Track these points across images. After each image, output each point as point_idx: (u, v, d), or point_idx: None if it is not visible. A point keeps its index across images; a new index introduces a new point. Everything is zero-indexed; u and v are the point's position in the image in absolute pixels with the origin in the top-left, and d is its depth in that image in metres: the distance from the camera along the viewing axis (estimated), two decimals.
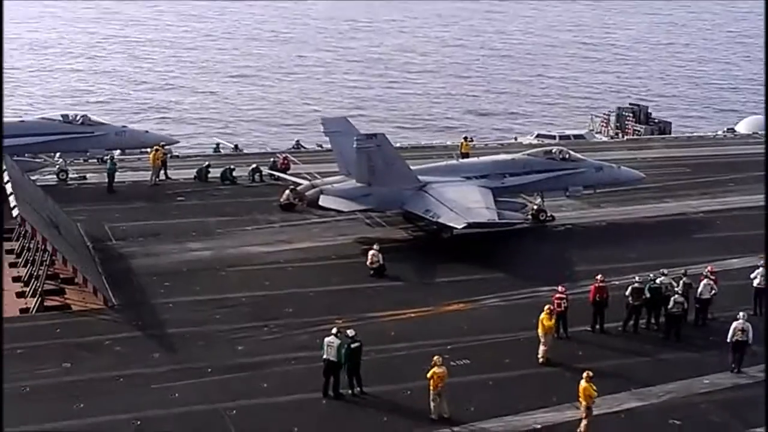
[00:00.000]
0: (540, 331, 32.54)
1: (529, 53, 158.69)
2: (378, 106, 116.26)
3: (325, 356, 29.52)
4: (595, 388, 27.72)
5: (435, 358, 28.78)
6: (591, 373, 28.04)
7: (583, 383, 27.83)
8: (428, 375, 28.47)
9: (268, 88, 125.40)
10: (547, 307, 33.13)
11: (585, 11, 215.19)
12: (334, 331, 29.98)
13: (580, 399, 27.92)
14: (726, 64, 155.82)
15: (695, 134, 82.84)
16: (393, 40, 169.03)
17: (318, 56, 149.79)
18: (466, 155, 58.43)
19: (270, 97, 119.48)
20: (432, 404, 28.55)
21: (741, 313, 32.95)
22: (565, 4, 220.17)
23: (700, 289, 35.98)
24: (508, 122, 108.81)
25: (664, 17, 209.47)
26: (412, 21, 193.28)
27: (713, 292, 36.05)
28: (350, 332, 29.90)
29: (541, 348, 32.60)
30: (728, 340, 32.59)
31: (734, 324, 32.49)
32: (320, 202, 45.41)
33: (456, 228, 43.47)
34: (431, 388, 28.45)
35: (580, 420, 28.06)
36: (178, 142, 63.88)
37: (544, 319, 32.50)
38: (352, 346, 29.50)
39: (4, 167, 41.27)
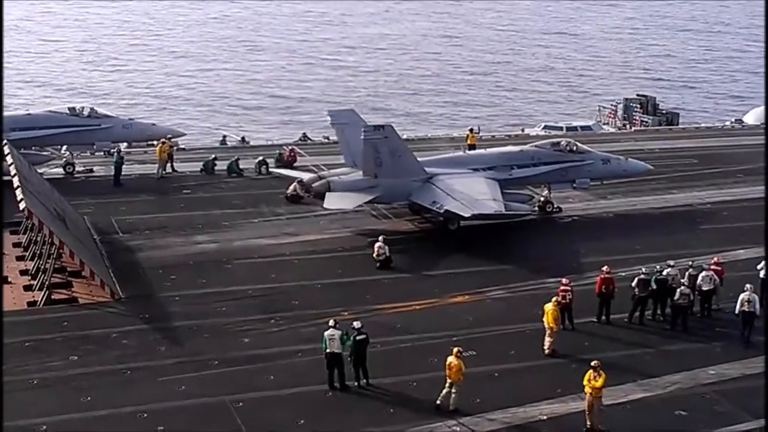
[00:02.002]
0: (548, 321, 32.58)
1: (538, 43, 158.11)
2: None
3: (327, 350, 29.52)
4: (592, 376, 27.57)
5: (455, 349, 28.82)
6: (594, 363, 27.96)
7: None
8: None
9: (278, 80, 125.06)
10: (554, 299, 33.23)
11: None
12: (331, 323, 29.92)
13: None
14: (738, 52, 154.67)
15: (703, 125, 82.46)
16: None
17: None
18: (472, 147, 58.45)
19: (277, 88, 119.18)
20: (443, 391, 28.62)
21: (747, 285, 33.93)
22: None
23: (699, 281, 36.00)
24: (515, 113, 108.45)
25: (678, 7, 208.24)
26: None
27: (713, 283, 36.01)
28: (356, 324, 29.91)
29: (547, 339, 32.66)
30: (735, 312, 33.82)
31: (741, 296, 33.79)
32: (325, 204, 45.12)
33: (463, 216, 43.47)
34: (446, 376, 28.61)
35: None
36: (184, 134, 63.76)
37: (551, 311, 32.56)
38: (358, 338, 29.52)
39: (10, 160, 41.43)
